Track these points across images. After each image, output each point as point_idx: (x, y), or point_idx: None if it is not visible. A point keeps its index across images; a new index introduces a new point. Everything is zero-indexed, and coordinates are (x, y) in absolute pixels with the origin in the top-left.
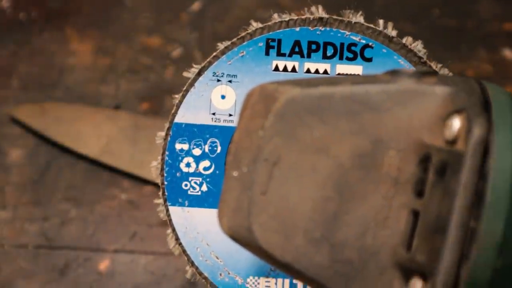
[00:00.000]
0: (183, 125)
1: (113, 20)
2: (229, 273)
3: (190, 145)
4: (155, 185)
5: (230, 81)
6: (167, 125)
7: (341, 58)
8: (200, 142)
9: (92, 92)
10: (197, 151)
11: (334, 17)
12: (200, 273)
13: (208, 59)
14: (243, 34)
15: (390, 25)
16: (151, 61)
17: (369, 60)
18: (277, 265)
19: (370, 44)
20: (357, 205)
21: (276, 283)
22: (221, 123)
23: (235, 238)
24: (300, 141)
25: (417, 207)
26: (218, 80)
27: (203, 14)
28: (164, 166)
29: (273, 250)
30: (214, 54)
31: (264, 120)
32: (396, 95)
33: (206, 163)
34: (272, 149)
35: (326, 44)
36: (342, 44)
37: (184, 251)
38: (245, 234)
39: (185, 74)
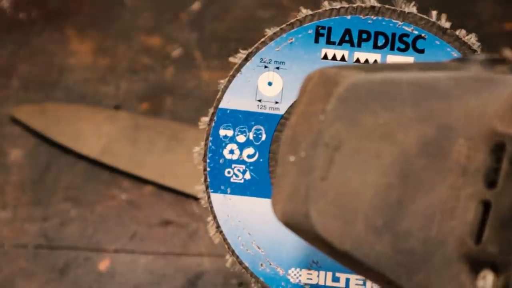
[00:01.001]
0: (228, 111)
1: (113, 20)
2: (270, 264)
3: (234, 131)
4: (155, 185)
5: (277, 68)
6: (211, 110)
7: (392, 48)
8: (244, 129)
9: (92, 92)
10: (241, 138)
11: (387, 6)
12: (241, 263)
13: (255, 45)
14: (292, 20)
15: (443, 16)
16: (151, 61)
17: (421, 51)
18: (334, 254)
19: (422, 35)
20: (422, 194)
21: (318, 276)
22: (267, 110)
23: (290, 224)
24: (363, 127)
25: (488, 198)
26: (266, 67)
27: (203, 14)
28: (207, 152)
29: (331, 238)
30: (262, 39)
31: (325, 104)
32: (467, 82)
33: (250, 150)
34: (333, 134)
35: (377, 33)
36: (393, 34)
37: (224, 239)
38: (301, 220)
39: (231, 59)
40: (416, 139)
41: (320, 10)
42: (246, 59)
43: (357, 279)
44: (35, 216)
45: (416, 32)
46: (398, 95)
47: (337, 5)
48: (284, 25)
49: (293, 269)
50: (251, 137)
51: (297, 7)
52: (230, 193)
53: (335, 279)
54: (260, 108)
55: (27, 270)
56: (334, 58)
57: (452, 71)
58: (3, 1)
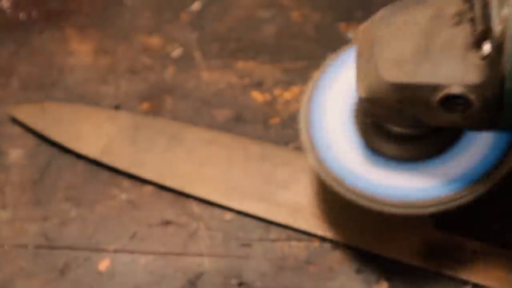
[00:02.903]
0: None
1: (113, 20)
2: None
3: None
4: (155, 185)
5: None
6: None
7: None
8: None
9: (92, 92)
10: None
11: None
12: None
13: None
14: None
15: None
16: (151, 61)
17: None
18: (396, 93)
19: None
20: (437, 39)
21: None
22: None
23: (370, 93)
24: (395, 22)
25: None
26: None
27: (203, 14)
28: None
29: (396, 79)
30: None
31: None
32: None
33: None
34: (380, 32)
35: None
36: None
37: None
38: (375, 82)
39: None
40: (428, 16)
41: None
42: None
43: None
44: (35, 216)
45: None
46: (407, 4)
47: None
48: None
49: None
50: None
51: (298, 7)
52: None
53: None
54: None
55: (27, 270)
56: None
57: None
58: (2, 0)
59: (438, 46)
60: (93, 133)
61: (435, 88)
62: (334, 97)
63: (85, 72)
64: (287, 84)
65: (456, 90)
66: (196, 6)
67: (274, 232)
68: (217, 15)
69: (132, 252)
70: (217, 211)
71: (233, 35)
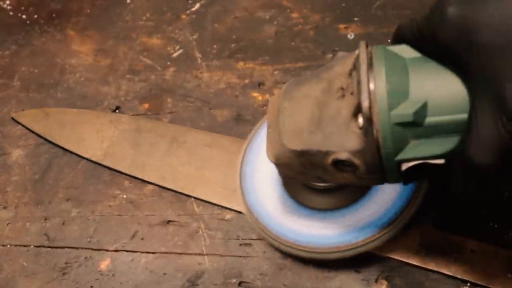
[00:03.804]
0: None
1: (114, 21)
2: None
3: None
4: (156, 185)
5: None
6: None
7: None
8: None
9: (93, 92)
10: None
11: None
12: None
13: None
14: None
15: None
16: (151, 62)
17: None
18: (296, 158)
19: None
20: (328, 110)
21: None
22: None
23: (277, 159)
24: (295, 96)
25: (352, 90)
26: None
27: (203, 15)
28: None
29: (294, 146)
30: None
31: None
32: (338, 59)
33: None
34: (283, 105)
35: None
36: None
37: None
38: (280, 149)
39: None
40: (320, 90)
41: None
42: None
43: None
44: (36, 216)
45: None
46: (306, 78)
47: None
48: None
49: None
50: None
51: (298, 8)
52: None
53: None
54: None
55: (28, 269)
56: None
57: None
58: (5, 1)
59: (327, 116)
60: (95, 136)
61: (326, 153)
62: (263, 157)
63: (86, 73)
64: None
65: (342, 155)
66: (196, 7)
67: None
68: (217, 16)
69: (132, 251)
70: (217, 211)
71: (233, 36)
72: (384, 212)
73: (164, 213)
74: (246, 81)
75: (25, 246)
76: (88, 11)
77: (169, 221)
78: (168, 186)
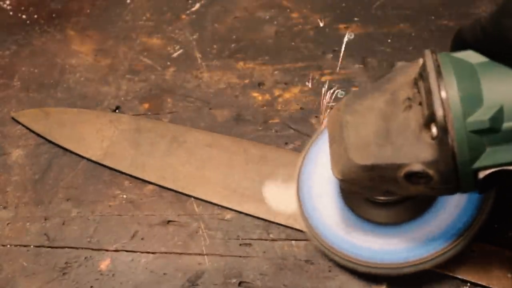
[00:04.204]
0: None
1: (114, 21)
2: None
3: None
4: (156, 184)
5: None
6: None
7: None
8: None
9: (93, 92)
10: None
11: None
12: None
13: None
14: None
15: None
16: (151, 62)
17: None
18: (365, 173)
19: None
20: (395, 122)
21: None
22: None
23: (343, 175)
24: (357, 109)
25: (420, 100)
26: None
27: (203, 15)
28: None
29: (363, 161)
30: None
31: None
32: (399, 69)
33: None
34: (345, 119)
35: None
36: None
37: None
38: (347, 165)
39: None
40: (384, 102)
41: None
42: None
43: None
44: (36, 216)
45: None
46: (366, 91)
47: None
48: None
49: None
50: None
51: (298, 8)
52: None
53: None
54: None
55: (28, 269)
56: None
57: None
58: (5, 1)
59: (395, 128)
60: (95, 136)
61: (398, 166)
62: (321, 169)
63: (86, 73)
64: (287, 84)
65: (416, 167)
66: (196, 7)
67: (274, 232)
68: (217, 16)
69: (132, 251)
70: (217, 211)
71: (233, 36)
72: (453, 223)
73: (164, 213)
74: (246, 81)
75: (25, 246)
76: (88, 11)
77: (169, 221)
78: (168, 186)
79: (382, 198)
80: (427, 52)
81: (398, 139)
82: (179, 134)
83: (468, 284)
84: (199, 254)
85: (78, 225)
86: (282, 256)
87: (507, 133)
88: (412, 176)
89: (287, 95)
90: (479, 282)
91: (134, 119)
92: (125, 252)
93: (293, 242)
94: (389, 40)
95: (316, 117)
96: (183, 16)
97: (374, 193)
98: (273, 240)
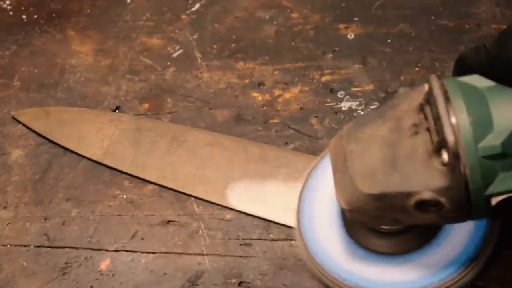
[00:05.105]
0: None
1: (114, 21)
2: None
3: None
4: (156, 184)
5: None
6: None
7: None
8: None
9: (93, 92)
10: None
11: None
12: None
13: None
14: None
15: None
16: (151, 62)
17: None
18: (373, 202)
19: None
20: (401, 149)
21: None
22: None
23: (350, 205)
24: (361, 137)
25: (427, 126)
26: None
27: (203, 15)
28: None
29: (371, 190)
30: None
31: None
32: (402, 95)
33: None
34: (349, 148)
35: None
36: None
37: None
38: (354, 194)
39: None
40: (387, 130)
41: None
42: None
43: None
44: (36, 216)
45: None
46: (368, 118)
47: None
48: None
49: None
50: None
51: (298, 8)
52: None
53: None
54: None
55: (28, 269)
56: None
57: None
58: (5, 1)
59: (402, 156)
60: (96, 135)
61: (408, 194)
62: (321, 196)
63: (86, 73)
64: (287, 85)
65: (426, 195)
66: (196, 7)
67: (274, 232)
68: (217, 16)
69: (132, 251)
70: (217, 211)
71: (233, 36)
72: (463, 250)
73: (164, 213)
74: (246, 81)
75: (25, 246)
76: (88, 11)
77: (169, 221)
78: (169, 185)
79: (384, 227)
80: (433, 77)
81: (406, 166)
82: (180, 134)
83: (468, 284)
84: (199, 254)
85: (78, 225)
86: (282, 256)
87: None
88: (422, 205)
89: (287, 95)
90: (479, 282)
91: (135, 119)
92: (125, 252)
93: (293, 242)
94: (389, 40)
95: (316, 117)
96: (183, 16)
97: (381, 222)
98: (273, 240)
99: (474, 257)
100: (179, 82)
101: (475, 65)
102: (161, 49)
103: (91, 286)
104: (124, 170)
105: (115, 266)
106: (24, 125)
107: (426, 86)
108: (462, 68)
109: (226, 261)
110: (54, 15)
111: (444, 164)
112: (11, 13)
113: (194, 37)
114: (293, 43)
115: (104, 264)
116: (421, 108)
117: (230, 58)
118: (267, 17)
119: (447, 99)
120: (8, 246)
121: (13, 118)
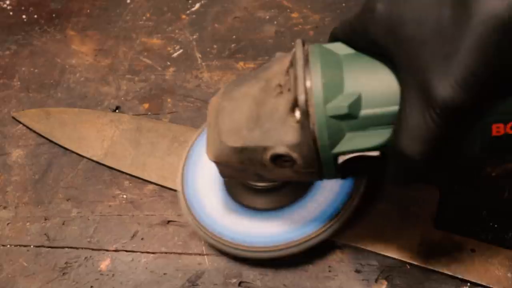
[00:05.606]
0: None
1: (114, 21)
2: None
3: None
4: (156, 184)
5: None
6: None
7: None
8: None
9: (93, 92)
10: None
11: None
12: None
13: None
14: None
15: None
16: (151, 62)
17: None
18: (235, 155)
19: None
20: (265, 107)
21: None
22: None
23: (216, 157)
24: (234, 96)
25: (288, 86)
26: None
27: (203, 15)
28: None
29: (234, 143)
30: None
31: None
32: (276, 59)
33: None
34: (222, 105)
35: None
36: None
37: None
38: (219, 147)
39: None
40: (258, 88)
41: None
42: None
43: None
44: (37, 216)
45: None
46: (245, 79)
47: None
48: None
49: None
50: None
51: (298, 8)
52: None
53: None
54: None
55: (28, 269)
56: None
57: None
58: (5, 1)
59: (265, 113)
60: (96, 136)
61: (264, 148)
62: (206, 161)
63: (86, 73)
64: None
65: (280, 150)
66: (196, 7)
67: None
68: (217, 16)
69: (132, 251)
70: None
71: (233, 36)
72: (326, 208)
73: (164, 213)
74: None
75: (25, 246)
76: (88, 11)
77: (169, 221)
78: (169, 186)
79: (258, 184)
80: (298, 42)
81: (267, 123)
82: (180, 134)
83: (468, 284)
84: (199, 254)
85: (78, 225)
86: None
87: (364, 120)
88: (277, 159)
89: None
90: (479, 282)
91: (135, 119)
92: (125, 252)
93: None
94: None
95: None
96: (183, 16)
97: (247, 176)
98: None
99: (336, 214)
100: (179, 82)
101: (341, 36)
102: (161, 49)
103: (91, 286)
104: (125, 171)
105: (115, 266)
106: (25, 125)
107: (294, 50)
108: (333, 38)
109: (226, 261)
110: (54, 15)
111: (297, 122)
112: (11, 13)
113: (194, 37)
114: (293, 43)
115: (104, 264)
116: (287, 70)
117: (230, 58)
118: (267, 17)
119: (306, 62)
120: (8, 246)
121: (14, 118)
